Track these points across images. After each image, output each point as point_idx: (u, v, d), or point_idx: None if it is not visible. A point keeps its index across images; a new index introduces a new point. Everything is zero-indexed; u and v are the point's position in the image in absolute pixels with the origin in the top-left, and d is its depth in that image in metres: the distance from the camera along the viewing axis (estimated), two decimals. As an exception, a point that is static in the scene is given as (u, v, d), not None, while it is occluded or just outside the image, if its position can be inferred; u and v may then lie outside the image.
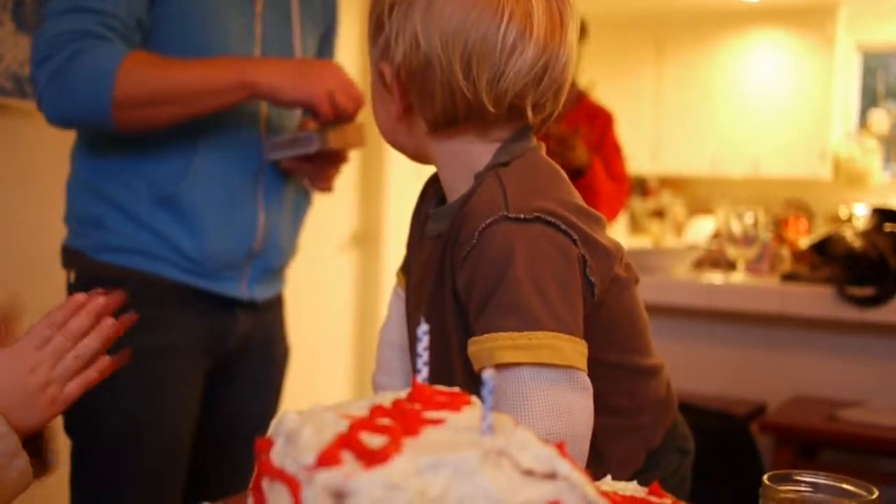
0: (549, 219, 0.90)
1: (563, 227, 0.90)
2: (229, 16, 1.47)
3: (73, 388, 0.95)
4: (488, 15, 0.90)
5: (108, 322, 0.98)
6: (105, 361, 0.99)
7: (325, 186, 1.62)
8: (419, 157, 1.03)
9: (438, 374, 0.71)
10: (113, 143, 1.49)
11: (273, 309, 1.67)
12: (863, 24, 6.20)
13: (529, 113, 0.95)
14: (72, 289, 1.54)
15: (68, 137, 2.25)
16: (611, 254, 0.94)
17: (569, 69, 0.96)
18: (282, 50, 1.55)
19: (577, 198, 0.97)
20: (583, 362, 0.88)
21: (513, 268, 0.87)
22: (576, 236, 0.91)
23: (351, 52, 3.62)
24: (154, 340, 1.46)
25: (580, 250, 0.91)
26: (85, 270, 1.51)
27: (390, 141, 1.03)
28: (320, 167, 1.57)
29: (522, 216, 0.89)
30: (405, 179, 3.99)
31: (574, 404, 0.86)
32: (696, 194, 6.57)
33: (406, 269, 1.12)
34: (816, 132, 6.10)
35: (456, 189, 0.99)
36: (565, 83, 0.97)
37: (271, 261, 1.59)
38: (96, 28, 1.35)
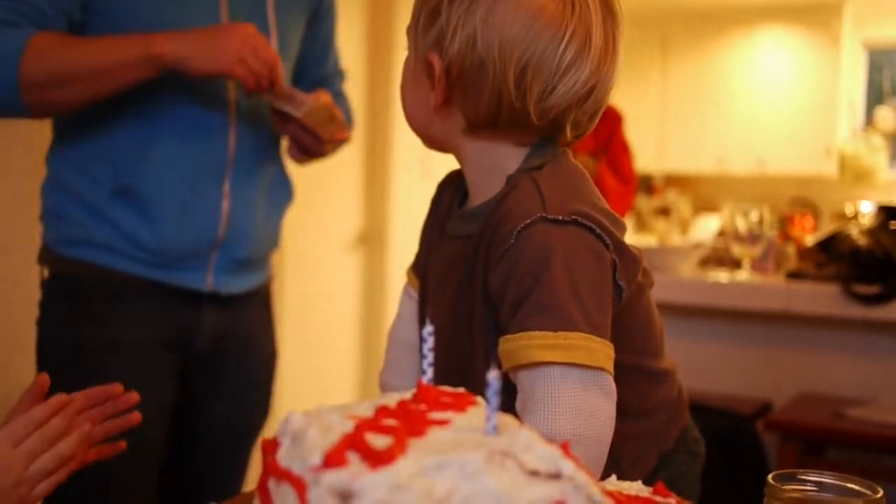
0: (586, 222, 0.91)
1: (598, 230, 0.91)
2: None
3: (43, 488, 0.93)
4: (551, 30, 0.91)
5: (87, 428, 0.96)
6: (88, 454, 0.97)
7: (295, 156, 1.60)
8: (444, 149, 1.03)
9: (460, 374, 0.72)
10: (77, 134, 1.47)
11: (251, 304, 1.62)
12: (868, 21, 6.18)
13: (568, 130, 0.97)
14: (44, 285, 1.53)
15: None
16: (636, 259, 0.96)
17: (610, 92, 0.97)
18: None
19: (605, 202, 0.98)
20: (611, 365, 0.89)
21: (550, 268, 0.88)
22: (608, 241, 0.92)
23: (355, 39, 3.62)
24: (111, 335, 1.45)
25: (612, 255, 0.92)
26: (51, 265, 1.50)
27: (417, 128, 1.02)
28: (299, 137, 1.55)
29: (560, 218, 0.90)
30: (410, 179, 3.99)
31: (600, 408, 0.87)
32: (702, 192, 6.56)
33: (420, 269, 1.12)
34: (822, 129, 6.08)
35: (484, 189, 0.99)
36: (604, 105, 0.98)
37: (239, 251, 1.54)
38: (6, 14, 1.34)
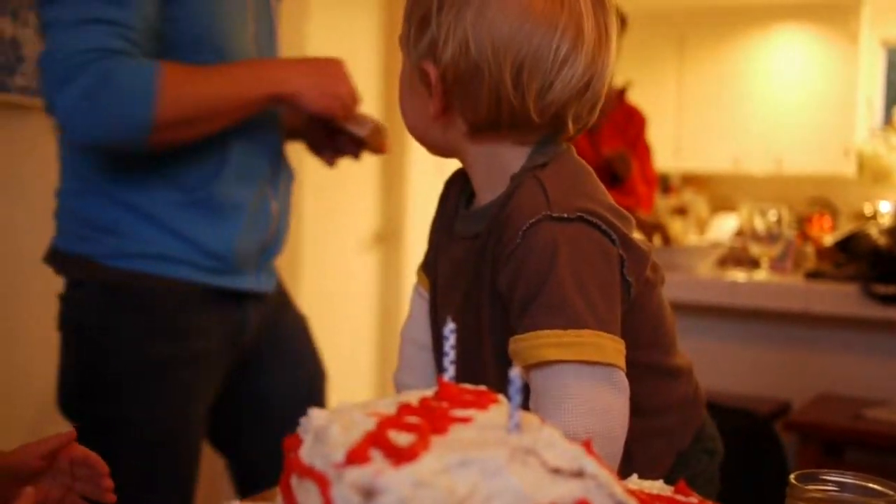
0: (591, 218, 0.90)
1: (604, 227, 0.91)
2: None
3: None
4: (543, 26, 0.90)
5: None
6: None
7: (330, 160, 1.63)
8: (448, 154, 1.03)
9: (469, 374, 0.72)
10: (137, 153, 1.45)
11: (278, 298, 1.65)
12: (887, 19, 6.14)
13: (570, 124, 0.96)
14: (71, 294, 1.50)
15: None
16: (644, 254, 0.95)
17: (607, 83, 0.97)
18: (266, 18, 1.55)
19: (610, 198, 0.98)
20: (622, 361, 0.89)
21: (557, 267, 0.88)
22: (615, 236, 0.91)
23: (373, 49, 3.63)
24: (183, 348, 1.46)
25: (619, 250, 0.92)
26: (97, 277, 1.46)
27: (419, 137, 1.02)
28: (348, 149, 1.59)
29: (565, 215, 0.89)
30: (426, 177, 3.99)
31: (613, 405, 0.87)
32: (719, 191, 6.54)
33: (430, 269, 1.12)
34: (840, 129, 6.05)
35: (489, 190, 0.99)
36: (603, 96, 0.98)
37: (278, 249, 1.59)
38: (117, 43, 1.29)
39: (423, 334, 1.14)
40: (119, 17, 1.29)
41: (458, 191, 1.08)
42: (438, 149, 1.03)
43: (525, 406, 0.89)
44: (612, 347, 0.88)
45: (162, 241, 1.43)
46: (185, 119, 1.33)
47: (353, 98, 1.46)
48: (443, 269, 1.06)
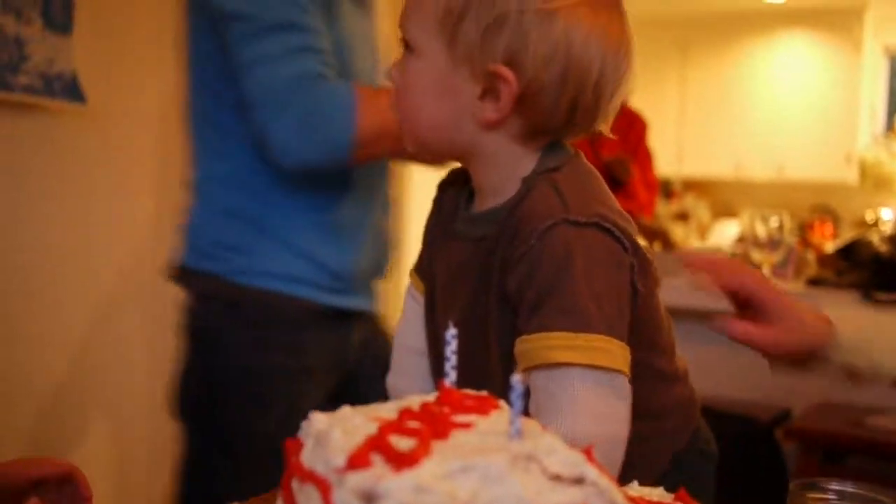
0: (606, 224, 0.90)
1: (618, 233, 0.91)
2: (357, 22, 1.54)
3: None
4: (615, 35, 0.93)
5: None
6: None
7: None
8: (455, 158, 1.02)
9: (474, 378, 0.71)
10: (267, 172, 1.49)
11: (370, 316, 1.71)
12: (890, 26, 6.14)
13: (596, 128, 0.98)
14: (197, 307, 1.58)
15: (96, 136, 2.27)
16: (650, 261, 0.96)
17: None
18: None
19: (618, 203, 0.98)
20: (628, 368, 0.89)
21: (571, 270, 0.88)
22: (627, 243, 0.91)
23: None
24: (297, 363, 1.52)
25: (630, 258, 0.92)
26: (221, 293, 1.54)
27: (436, 138, 0.97)
28: None
29: (582, 220, 0.89)
30: (427, 180, 3.99)
31: (616, 410, 0.87)
32: (721, 197, 6.54)
33: (424, 272, 1.11)
34: (842, 135, 6.05)
35: (496, 191, 0.98)
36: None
37: (386, 269, 1.66)
38: (321, 68, 1.37)
39: (417, 338, 1.12)
40: (318, 44, 1.38)
41: (454, 192, 1.07)
42: (450, 153, 1.01)
43: (525, 408, 0.89)
44: (620, 354, 0.88)
45: (288, 261, 1.50)
46: (380, 136, 1.39)
47: None
48: (441, 272, 1.05)
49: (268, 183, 1.49)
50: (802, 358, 1.01)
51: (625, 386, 0.88)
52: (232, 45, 1.40)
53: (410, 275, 1.16)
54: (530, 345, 0.88)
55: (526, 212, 0.92)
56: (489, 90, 0.92)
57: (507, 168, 0.97)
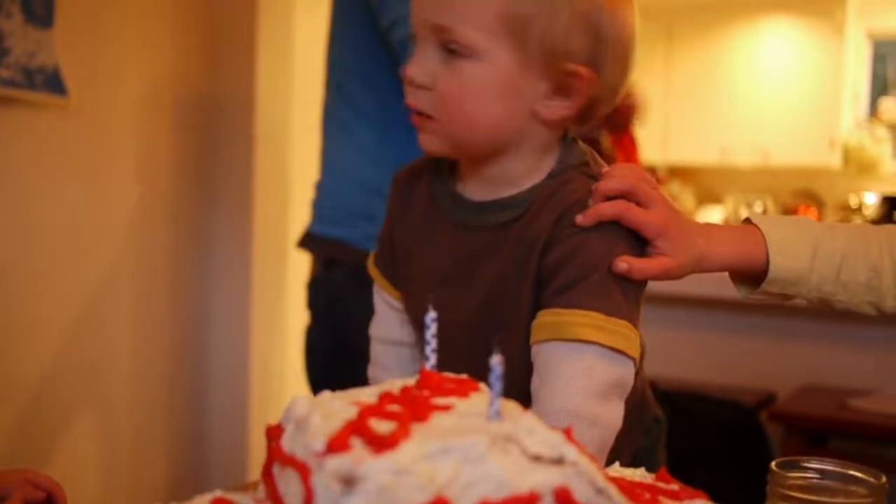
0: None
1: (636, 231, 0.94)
2: None
3: None
4: (637, 26, 0.98)
5: None
6: None
7: None
8: (490, 151, 0.99)
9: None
10: (394, 145, 1.61)
11: None
12: (873, 11, 6.16)
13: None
14: (322, 274, 1.70)
15: (78, 129, 2.26)
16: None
17: None
18: None
19: None
20: (637, 359, 0.91)
21: (612, 259, 0.91)
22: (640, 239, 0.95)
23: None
24: None
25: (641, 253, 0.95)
26: (347, 258, 1.64)
27: (483, 137, 0.96)
28: None
29: None
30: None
31: (621, 393, 0.90)
32: (705, 184, 6.55)
33: (391, 268, 1.10)
34: (826, 121, 6.07)
35: (517, 180, 0.97)
36: None
37: None
38: None
39: (390, 332, 1.14)
40: None
41: (425, 186, 1.05)
42: (493, 148, 0.98)
43: (525, 381, 0.90)
44: (637, 343, 0.91)
45: None
46: None
47: None
48: (436, 265, 1.03)
49: (394, 155, 1.54)
50: (744, 277, 1.02)
51: (631, 374, 0.90)
52: (380, 8, 1.55)
53: (374, 274, 1.14)
54: (560, 318, 0.89)
55: (569, 198, 0.94)
56: (561, 88, 0.93)
57: (537, 158, 0.98)
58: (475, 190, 1.00)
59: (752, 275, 1.00)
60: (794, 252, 0.97)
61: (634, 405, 1.09)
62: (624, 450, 1.04)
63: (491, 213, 0.99)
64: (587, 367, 0.87)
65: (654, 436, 1.16)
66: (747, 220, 1.01)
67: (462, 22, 0.91)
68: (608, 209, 0.92)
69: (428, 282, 1.04)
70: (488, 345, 0.95)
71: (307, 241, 1.78)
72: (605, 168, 0.98)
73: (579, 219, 0.92)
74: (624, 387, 0.90)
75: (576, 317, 0.88)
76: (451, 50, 0.92)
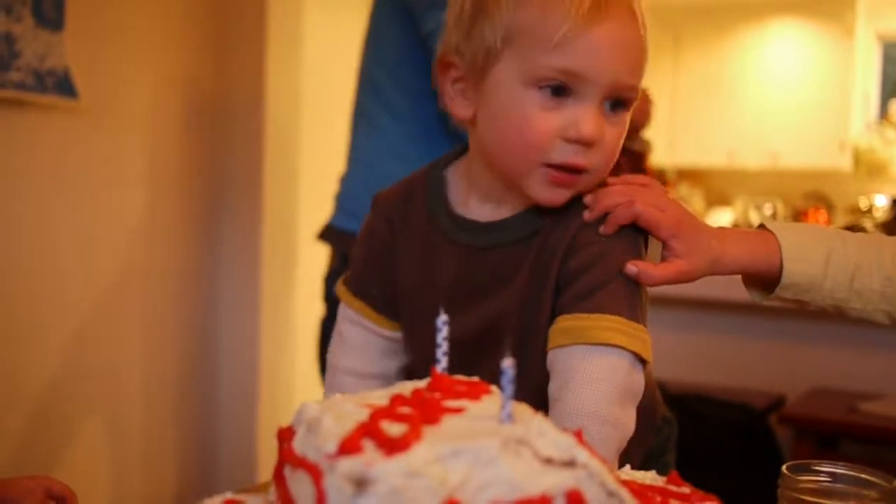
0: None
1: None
2: None
3: None
4: None
5: None
6: None
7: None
8: None
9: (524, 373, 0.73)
10: (423, 142, 1.68)
11: None
12: (883, 13, 6.14)
13: None
14: (336, 267, 1.76)
15: (89, 131, 2.27)
16: None
17: None
18: None
19: None
20: (651, 362, 0.92)
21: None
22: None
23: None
24: None
25: None
26: None
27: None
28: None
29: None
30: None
31: (636, 400, 0.90)
32: (714, 186, 6.53)
33: (378, 296, 1.06)
34: (836, 123, 6.04)
35: (519, 200, 0.97)
36: None
37: None
38: None
39: (364, 364, 1.09)
40: None
41: (425, 210, 1.02)
42: None
43: (545, 387, 0.90)
44: (651, 349, 0.91)
45: None
46: None
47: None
48: (445, 287, 1.00)
49: (420, 153, 1.58)
50: (757, 281, 1.02)
51: (643, 380, 0.91)
52: (423, 14, 1.61)
53: (352, 302, 1.09)
54: (584, 322, 0.89)
55: (579, 207, 0.94)
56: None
57: None
58: (481, 212, 0.99)
59: (765, 279, 1.00)
60: (808, 258, 0.97)
61: (645, 404, 1.10)
62: (635, 450, 1.04)
63: (506, 231, 0.97)
64: (611, 369, 0.87)
65: (664, 435, 1.16)
66: (761, 226, 1.01)
67: (637, 75, 0.92)
68: (625, 213, 0.92)
69: (447, 305, 1.02)
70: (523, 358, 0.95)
71: (327, 234, 1.82)
72: (611, 178, 0.97)
73: (602, 229, 0.92)
74: (638, 393, 0.90)
75: (600, 321, 0.88)
76: (618, 103, 0.91)
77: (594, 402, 0.85)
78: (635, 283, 0.91)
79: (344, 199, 1.83)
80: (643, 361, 0.89)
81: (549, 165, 0.89)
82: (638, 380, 0.89)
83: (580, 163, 0.89)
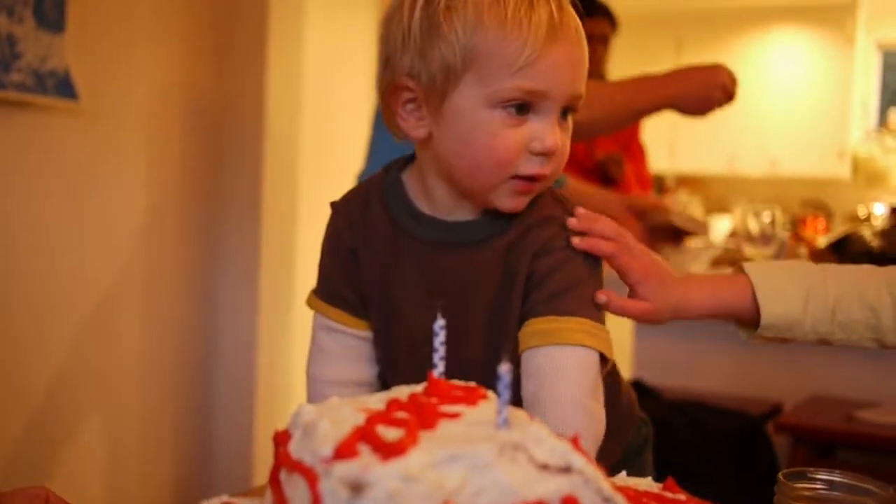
0: None
1: None
2: None
3: None
4: None
5: None
6: None
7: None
8: None
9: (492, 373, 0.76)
10: None
11: None
12: (883, 22, 6.15)
13: None
14: None
15: (89, 133, 2.27)
16: None
17: None
18: None
19: None
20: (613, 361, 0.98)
21: (595, 270, 0.98)
22: None
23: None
24: None
25: None
26: None
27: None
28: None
29: None
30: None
31: (602, 393, 0.94)
32: (714, 193, 6.54)
33: (372, 289, 1.05)
34: (835, 131, 6.06)
35: (469, 207, 1.00)
36: None
37: None
38: None
39: (347, 372, 1.08)
40: None
41: (384, 212, 1.04)
42: None
43: (516, 385, 0.92)
44: (612, 348, 0.96)
45: None
46: (597, 121, 1.46)
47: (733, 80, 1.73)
48: (414, 286, 1.02)
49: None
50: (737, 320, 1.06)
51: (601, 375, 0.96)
52: None
53: (328, 310, 1.08)
54: (557, 325, 0.93)
55: (544, 211, 0.98)
56: None
57: None
58: (451, 211, 1.00)
59: (747, 320, 1.04)
60: (785, 298, 1.01)
61: (624, 401, 1.15)
62: (614, 445, 1.08)
63: (471, 230, 0.99)
64: (583, 366, 0.92)
65: (643, 435, 1.20)
66: (739, 268, 1.05)
67: (583, 79, 0.96)
68: (606, 247, 0.97)
69: (414, 302, 1.03)
70: (491, 355, 0.96)
71: None
72: (580, 209, 1.00)
73: (576, 241, 0.96)
74: (602, 391, 0.94)
75: (573, 323, 0.93)
76: (567, 110, 0.95)
77: (573, 392, 0.90)
78: (597, 287, 0.97)
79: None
80: (605, 361, 0.95)
81: (516, 177, 0.93)
82: (600, 377, 0.94)
83: (545, 172, 0.94)
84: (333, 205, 1.08)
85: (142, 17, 2.44)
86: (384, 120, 1.01)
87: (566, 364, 0.92)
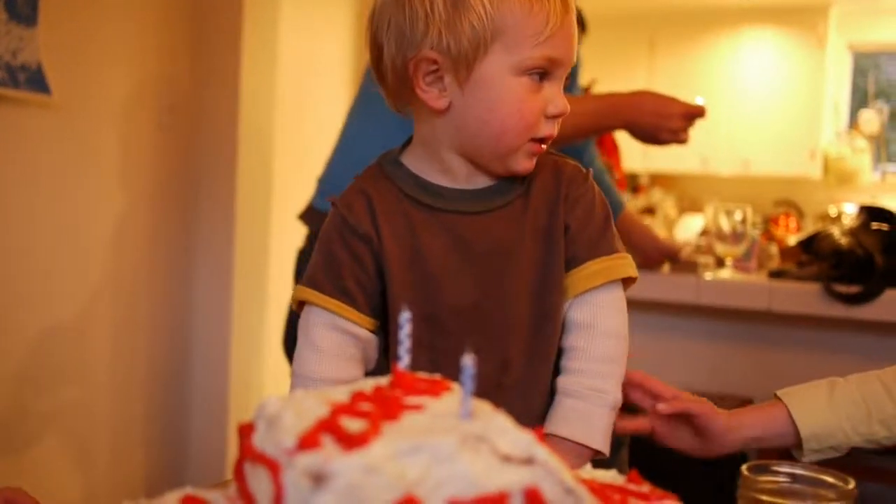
0: None
1: None
2: None
3: None
4: None
5: None
6: None
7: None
8: None
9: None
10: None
11: None
12: (854, 24, 6.21)
13: None
14: (306, 247, 1.82)
15: (61, 127, 2.25)
16: None
17: None
18: None
19: None
20: None
21: (610, 209, 1.09)
22: None
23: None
24: None
25: None
26: None
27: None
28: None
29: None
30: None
31: None
32: (687, 192, 6.58)
33: (374, 282, 1.05)
34: (807, 131, 6.11)
35: (479, 178, 1.05)
36: None
37: None
38: None
39: (344, 370, 1.06)
40: None
41: (393, 193, 1.06)
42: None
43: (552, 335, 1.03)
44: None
45: None
46: (564, 137, 1.49)
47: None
48: (438, 255, 1.03)
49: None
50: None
51: None
52: None
53: (336, 307, 1.05)
54: (608, 263, 1.04)
55: (558, 168, 1.07)
56: None
57: None
58: (469, 180, 1.05)
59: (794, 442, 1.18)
60: (815, 408, 1.15)
61: None
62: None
63: (495, 196, 1.05)
64: (623, 300, 1.05)
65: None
66: (775, 397, 1.22)
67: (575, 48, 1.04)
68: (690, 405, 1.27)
69: (451, 272, 1.04)
70: (539, 308, 1.02)
71: (306, 214, 1.86)
72: (661, 405, 1.25)
73: (662, 407, 1.26)
74: None
75: (621, 259, 1.05)
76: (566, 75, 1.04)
77: (620, 325, 1.04)
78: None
79: (324, 182, 1.86)
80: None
81: (533, 140, 1.01)
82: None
83: (554, 133, 1.03)
84: (334, 201, 1.09)
85: (115, 11, 2.42)
86: (388, 98, 1.06)
87: (613, 297, 1.03)
